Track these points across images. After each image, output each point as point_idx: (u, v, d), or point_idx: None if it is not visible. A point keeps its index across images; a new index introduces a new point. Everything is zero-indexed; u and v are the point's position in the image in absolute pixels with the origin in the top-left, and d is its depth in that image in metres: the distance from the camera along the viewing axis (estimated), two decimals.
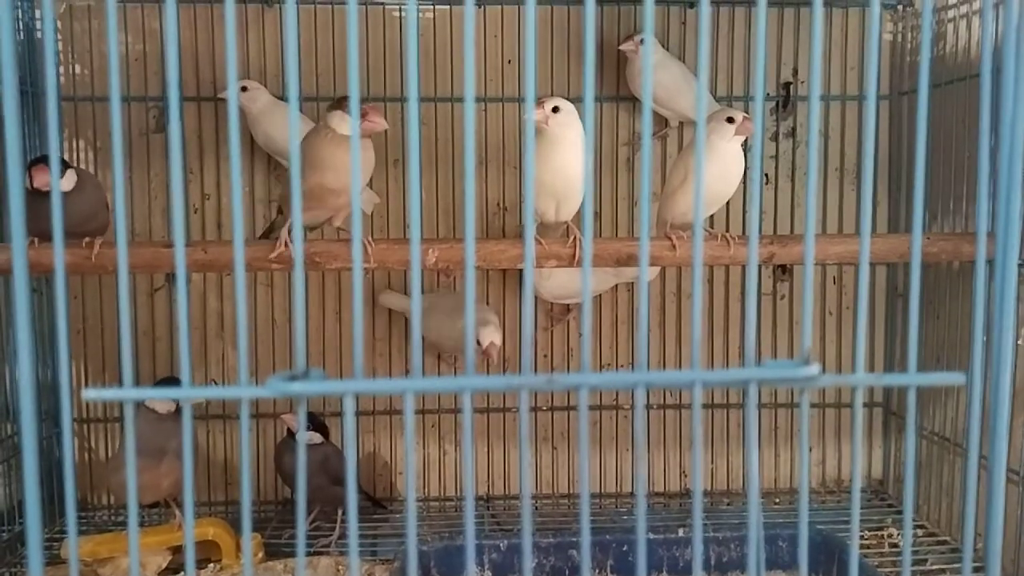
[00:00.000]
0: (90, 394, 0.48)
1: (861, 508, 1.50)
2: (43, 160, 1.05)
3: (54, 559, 1.17)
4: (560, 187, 1.12)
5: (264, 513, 1.44)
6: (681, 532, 1.21)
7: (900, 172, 1.49)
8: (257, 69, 1.43)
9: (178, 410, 1.21)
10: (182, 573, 1.21)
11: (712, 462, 1.54)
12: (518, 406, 1.54)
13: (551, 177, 1.11)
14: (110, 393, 0.49)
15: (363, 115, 1.03)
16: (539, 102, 1.10)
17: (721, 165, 1.15)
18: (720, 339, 1.53)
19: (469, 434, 0.49)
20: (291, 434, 1.30)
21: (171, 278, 1.45)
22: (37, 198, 1.04)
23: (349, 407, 0.49)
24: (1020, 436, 1.18)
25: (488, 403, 1.51)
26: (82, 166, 1.40)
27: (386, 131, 1.40)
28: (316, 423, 1.31)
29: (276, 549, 1.27)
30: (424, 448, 1.53)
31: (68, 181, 1.08)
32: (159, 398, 1.15)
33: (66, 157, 1.39)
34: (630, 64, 1.41)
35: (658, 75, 1.40)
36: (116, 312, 1.42)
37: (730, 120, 1.14)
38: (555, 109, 1.10)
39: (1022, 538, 1.16)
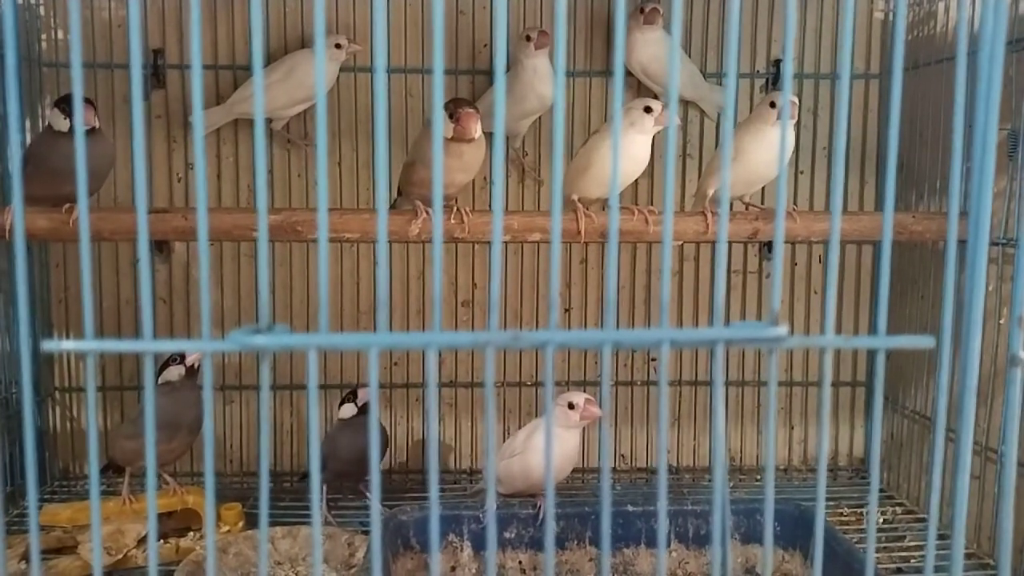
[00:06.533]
0: (49, 345, 0.47)
1: (843, 486, 1.52)
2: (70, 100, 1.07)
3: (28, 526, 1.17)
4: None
5: (248, 485, 1.44)
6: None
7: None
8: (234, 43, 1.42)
9: (189, 374, 1.20)
10: (162, 540, 1.22)
11: (695, 439, 1.55)
12: (517, 380, 1.51)
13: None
14: (70, 344, 0.48)
15: (457, 120, 1.07)
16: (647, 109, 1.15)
17: (771, 149, 1.17)
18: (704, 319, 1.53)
19: (434, 390, 0.49)
20: (361, 411, 1.27)
21: (155, 247, 1.44)
22: (65, 139, 1.06)
23: (312, 362, 0.49)
24: (1000, 416, 1.18)
25: (474, 377, 1.51)
26: None
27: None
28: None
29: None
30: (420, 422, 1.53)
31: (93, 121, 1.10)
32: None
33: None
34: (629, 38, 1.39)
35: (655, 50, 1.39)
36: (98, 280, 1.42)
37: (772, 105, 1.17)
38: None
39: (995, 516, 1.17)
